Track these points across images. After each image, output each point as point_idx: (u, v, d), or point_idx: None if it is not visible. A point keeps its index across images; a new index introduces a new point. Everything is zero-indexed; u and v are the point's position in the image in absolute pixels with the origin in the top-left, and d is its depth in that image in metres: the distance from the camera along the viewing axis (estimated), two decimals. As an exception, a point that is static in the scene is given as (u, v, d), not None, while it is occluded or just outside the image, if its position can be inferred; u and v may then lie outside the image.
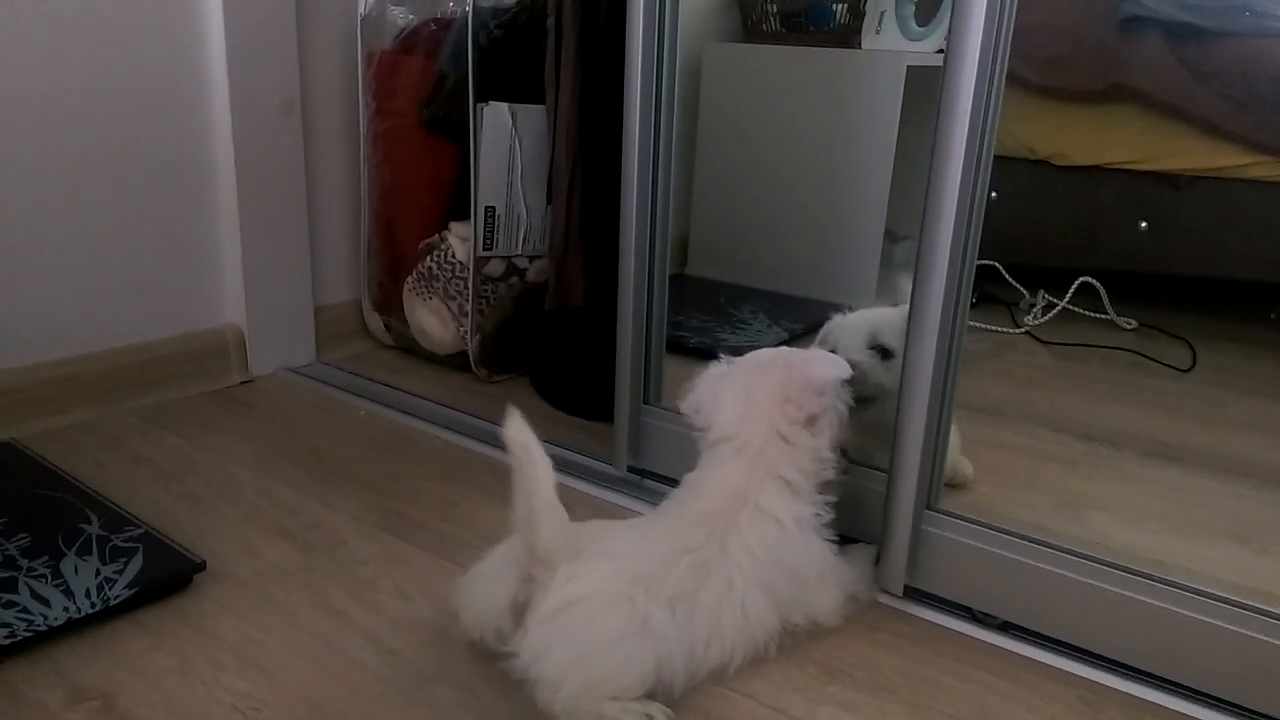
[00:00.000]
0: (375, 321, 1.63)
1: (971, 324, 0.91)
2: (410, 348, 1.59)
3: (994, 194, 0.89)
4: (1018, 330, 1.80)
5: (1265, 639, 0.78)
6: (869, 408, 0.99)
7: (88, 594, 0.86)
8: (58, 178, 1.23)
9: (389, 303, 1.58)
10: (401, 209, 1.53)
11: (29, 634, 0.81)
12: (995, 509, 1.08)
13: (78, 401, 1.28)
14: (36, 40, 1.18)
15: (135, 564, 0.91)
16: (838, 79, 1.83)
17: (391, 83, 1.48)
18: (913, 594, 0.95)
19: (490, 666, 0.79)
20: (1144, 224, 1.84)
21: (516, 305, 1.48)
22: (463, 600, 0.83)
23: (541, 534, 0.73)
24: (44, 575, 0.88)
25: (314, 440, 1.26)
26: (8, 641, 0.80)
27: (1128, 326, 1.82)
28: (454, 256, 1.47)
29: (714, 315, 1.72)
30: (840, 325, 1.08)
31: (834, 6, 1.83)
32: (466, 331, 1.48)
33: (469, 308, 1.46)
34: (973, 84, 0.81)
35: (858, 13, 1.81)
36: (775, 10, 1.91)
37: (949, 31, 0.82)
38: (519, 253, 1.48)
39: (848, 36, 1.83)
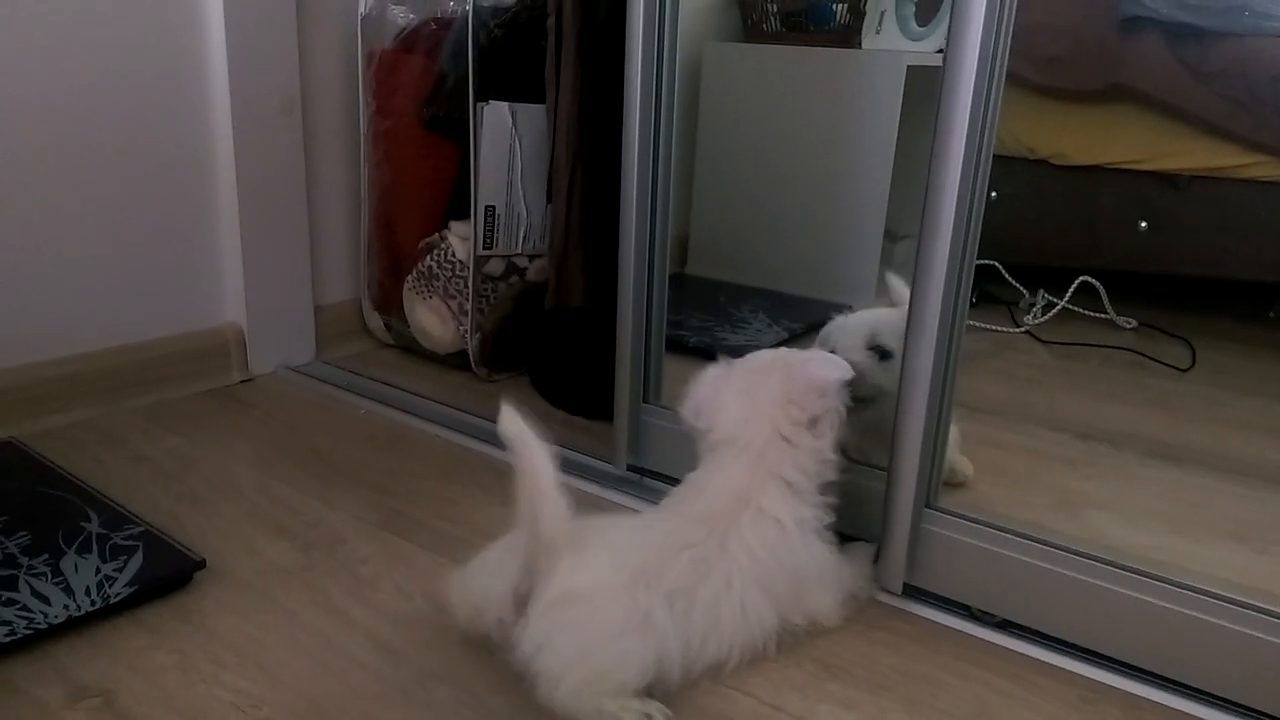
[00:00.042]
0: (375, 320, 1.63)
1: (971, 323, 0.91)
2: (410, 347, 1.60)
3: (994, 194, 0.89)
4: (1017, 330, 1.80)
5: (1265, 638, 0.78)
6: (867, 408, 0.99)
7: (88, 592, 0.86)
8: (58, 177, 1.23)
9: (389, 302, 1.58)
10: (402, 208, 1.53)
11: (29, 632, 0.81)
12: (994, 508, 1.08)
13: (78, 400, 1.28)
14: (36, 40, 1.18)
15: (135, 562, 0.91)
16: (838, 79, 1.82)
17: (392, 82, 1.48)
18: (912, 592, 0.95)
19: (490, 665, 0.79)
20: (1144, 224, 1.84)
21: (516, 304, 1.48)
22: (460, 592, 0.82)
23: (544, 520, 0.73)
24: (44, 573, 0.88)
25: (314, 439, 1.26)
26: (8, 639, 0.80)
27: (1127, 326, 1.82)
28: (454, 255, 1.47)
29: (714, 315, 1.72)
30: (840, 326, 1.08)
31: (834, 6, 1.83)
32: (466, 330, 1.48)
33: (469, 307, 1.46)
34: (972, 84, 0.81)
35: (858, 12, 1.81)
36: (775, 10, 1.91)
37: (949, 31, 0.82)
38: (519, 252, 1.48)
39: (848, 36, 1.83)
